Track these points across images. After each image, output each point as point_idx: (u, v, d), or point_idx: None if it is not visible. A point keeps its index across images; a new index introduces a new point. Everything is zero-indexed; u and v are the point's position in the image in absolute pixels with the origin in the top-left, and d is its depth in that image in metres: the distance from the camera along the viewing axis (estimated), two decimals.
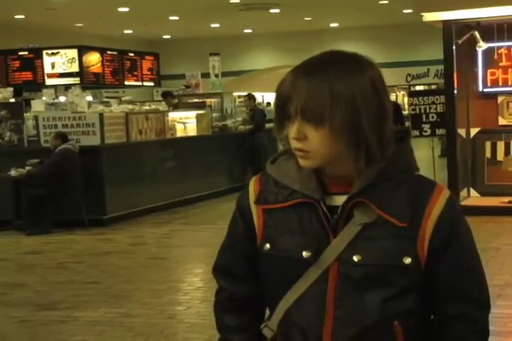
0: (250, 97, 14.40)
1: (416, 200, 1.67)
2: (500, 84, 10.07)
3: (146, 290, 6.77)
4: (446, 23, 9.72)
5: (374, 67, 1.65)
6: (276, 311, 1.74)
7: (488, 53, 10.00)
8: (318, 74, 1.59)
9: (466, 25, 9.87)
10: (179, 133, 12.24)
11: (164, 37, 23.92)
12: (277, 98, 1.65)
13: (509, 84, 10.03)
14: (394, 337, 1.67)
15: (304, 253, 1.67)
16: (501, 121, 10.22)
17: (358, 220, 1.65)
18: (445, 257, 1.68)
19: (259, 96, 20.22)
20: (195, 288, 6.89)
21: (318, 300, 1.67)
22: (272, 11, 18.86)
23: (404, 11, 18.88)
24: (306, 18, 21.08)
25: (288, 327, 1.72)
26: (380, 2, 18.25)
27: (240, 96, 16.28)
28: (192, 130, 12.58)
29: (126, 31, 22.05)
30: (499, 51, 10.01)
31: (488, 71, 10.08)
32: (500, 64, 10.03)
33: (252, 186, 1.80)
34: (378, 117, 1.61)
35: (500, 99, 10.15)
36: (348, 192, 1.66)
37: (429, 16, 9.84)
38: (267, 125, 13.93)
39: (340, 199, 1.68)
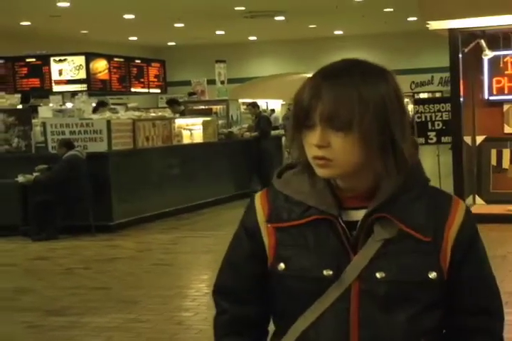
0: (254, 105, 14.48)
1: (436, 213, 1.64)
2: (506, 92, 10.11)
3: (153, 296, 6.81)
4: (452, 32, 9.77)
5: (393, 76, 1.62)
6: (291, 332, 1.65)
7: (494, 61, 10.04)
8: (344, 79, 1.54)
9: (471, 34, 9.92)
10: (185, 140, 12.30)
11: (169, 44, 24.00)
12: (297, 105, 1.59)
13: None
14: None
15: (325, 272, 1.60)
16: (507, 129, 10.25)
17: (379, 236, 1.60)
18: (465, 270, 1.66)
19: (263, 103, 20.29)
20: (202, 294, 6.91)
21: (341, 319, 1.61)
22: (276, 18, 18.94)
23: (409, 19, 18.93)
24: (310, 26, 21.15)
25: None
26: (385, 10, 18.31)
27: (244, 103, 16.35)
28: (198, 137, 12.64)
29: (131, 38, 22.13)
30: (505, 59, 10.06)
31: (494, 79, 10.12)
32: (506, 72, 10.08)
33: (260, 203, 1.71)
34: (403, 124, 1.58)
35: (506, 107, 10.19)
36: (365, 206, 1.62)
37: (435, 25, 9.89)
38: (273, 132, 13.97)
39: (357, 214, 1.63)
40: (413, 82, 23.54)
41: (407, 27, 19.80)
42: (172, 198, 11.46)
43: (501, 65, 10.06)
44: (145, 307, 6.40)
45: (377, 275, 1.59)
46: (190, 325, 5.95)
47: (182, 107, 13.53)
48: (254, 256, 1.71)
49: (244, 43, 23.71)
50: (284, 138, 14.81)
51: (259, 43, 23.99)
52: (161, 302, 6.60)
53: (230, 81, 17.94)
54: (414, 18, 17.89)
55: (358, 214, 1.62)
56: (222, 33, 21.75)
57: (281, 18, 18.86)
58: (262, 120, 14.03)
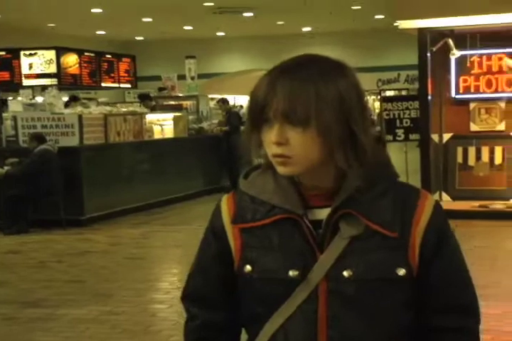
0: (224, 101, 14.58)
1: (403, 208, 1.59)
2: (472, 91, 10.32)
3: (127, 288, 6.90)
4: (421, 31, 9.96)
5: (353, 71, 1.59)
6: (260, 337, 1.62)
7: (461, 61, 10.25)
8: (300, 73, 1.50)
9: (440, 33, 10.12)
10: (156, 135, 12.39)
11: (138, 38, 23.97)
12: (252, 101, 1.54)
13: (481, 91, 10.29)
14: None
15: (291, 273, 1.56)
16: (473, 127, 10.47)
17: (346, 233, 1.56)
18: (435, 266, 1.61)
19: (231, 99, 20.39)
20: (175, 287, 7.01)
21: (309, 321, 1.57)
22: (245, 14, 19.00)
23: (376, 17, 19.13)
24: (279, 22, 21.22)
25: None
26: (353, 7, 18.46)
27: (212, 99, 16.43)
28: (169, 132, 12.73)
29: (99, 32, 22.06)
30: (471, 59, 10.26)
31: (461, 78, 10.33)
32: (473, 71, 10.28)
33: (226, 205, 1.68)
34: (363, 119, 1.54)
35: (472, 105, 10.41)
36: (330, 205, 1.57)
37: (404, 24, 10.08)
38: (242, 127, 14.05)
39: (322, 213, 1.58)
40: (379, 79, 23.74)
41: (375, 25, 20.00)
42: (143, 193, 11.53)
43: (468, 65, 10.26)
44: (120, 300, 6.50)
45: (345, 273, 1.55)
46: (165, 316, 6.06)
47: (153, 102, 13.60)
48: (221, 259, 1.66)
49: (212, 39, 23.76)
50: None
51: (228, 39, 24.04)
52: (135, 294, 6.70)
53: (200, 76, 18.02)
54: (382, 16, 18.12)
55: (323, 213, 1.58)
56: (190, 28, 21.78)
57: (250, 14, 18.93)
58: (232, 115, 14.14)
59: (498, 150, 10.34)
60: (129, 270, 7.78)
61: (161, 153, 12.17)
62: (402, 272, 1.56)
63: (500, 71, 10.21)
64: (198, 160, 13.20)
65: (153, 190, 11.75)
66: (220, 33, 23.57)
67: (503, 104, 10.28)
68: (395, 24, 10.31)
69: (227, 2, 17.15)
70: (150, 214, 11.32)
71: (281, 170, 1.55)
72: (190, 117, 14.20)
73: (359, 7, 18.35)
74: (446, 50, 10.13)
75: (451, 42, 10.04)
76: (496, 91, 10.22)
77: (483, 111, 10.39)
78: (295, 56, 1.58)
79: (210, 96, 16.53)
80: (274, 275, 1.58)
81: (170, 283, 7.31)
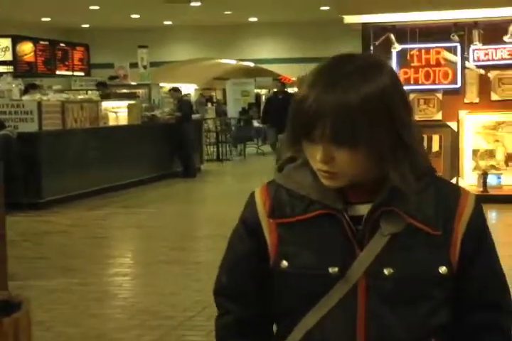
0: (176, 90, 15.06)
1: (445, 205, 1.57)
2: (412, 82, 10.96)
3: (93, 264, 7.40)
4: (365, 26, 10.60)
5: (387, 63, 1.55)
6: (295, 332, 1.59)
7: (402, 54, 10.88)
8: (343, 87, 1.44)
9: (382, 28, 10.75)
10: (111, 122, 12.84)
11: (84, 26, 23.93)
12: (296, 117, 1.49)
13: (420, 82, 10.95)
14: None
15: (330, 269, 1.53)
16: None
17: (386, 230, 1.53)
18: (475, 263, 1.59)
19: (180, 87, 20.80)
20: (137, 262, 7.57)
21: (347, 318, 1.55)
22: (192, 4, 19.16)
23: (321, 8, 19.47)
24: (226, 12, 21.38)
25: None
26: None
27: (162, 88, 16.84)
28: (123, 119, 13.20)
29: (44, 19, 22.01)
30: (411, 52, 10.87)
31: (402, 70, 10.98)
32: (412, 64, 10.90)
33: (260, 198, 1.64)
34: (409, 113, 1.52)
35: (411, 96, 11.03)
36: (370, 200, 1.54)
37: (349, 19, 10.70)
38: (193, 116, 14.58)
39: (363, 209, 1.55)
40: None
41: (320, 16, 20.28)
42: (98, 177, 11.95)
43: (408, 58, 10.89)
44: (86, 273, 6.99)
45: (385, 271, 1.52)
46: (130, 287, 6.60)
47: (108, 90, 14.02)
48: (256, 254, 1.63)
49: (159, 28, 23.87)
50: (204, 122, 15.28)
51: (176, 28, 24.21)
52: (100, 268, 7.21)
53: (152, 64, 18.34)
54: (327, 8, 18.55)
55: (364, 209, 1.55)
56: (138, 16, 21.95)
57: (197, 3, 19.17)
58: (184, 104, 14.62)
59: (436, 139, 11.01)
60: (92, 248, 8.27)
61: (116, 140, 12.61)
62: (443, 270, 1.55)
63: (438, 64, 10.87)
64: (151, 146, 13.67)
65: (108, 175, 12.18)
66: (167, 22, 23.70)
67: (440, 95, 10.96)
68: (340, 16, 10.87)
69: None
70: (106, 198, 11.77)
71: (326, 182, 1.52)
72: (144, 105, 14.66)
73: None
74: (388, 44, 10.75)
75: (392, 36, 10.66)
76: (434, 83, 10.87)
77: (421, 101, 11.03)
78: (331, 60, 1.53)
79: (161, 84, 16.94)
80: (312, 271, 1.55)
81: (132, 259, 7.85)
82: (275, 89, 17.14)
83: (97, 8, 19.44)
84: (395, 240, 1.53)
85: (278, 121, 13.02)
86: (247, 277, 1.65)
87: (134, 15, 21.66)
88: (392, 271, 1.52)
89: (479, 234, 1.59)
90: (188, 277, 6.75)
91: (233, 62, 26.75)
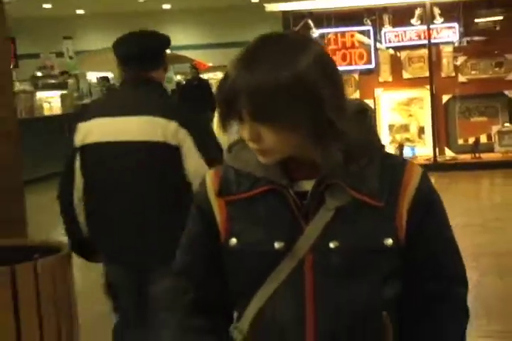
0: (104, 79, 15.54)
1: (389, 178, 1.57)
2: None
3: None
4: (285, 13, 11.37)
5: (314, 41, 1.56)
6: (248, 311, 1.59)
7: (320, 38, 11.63)
8: (262, 66, 1.44)
9: (301, 15, 11.46)
10: (46, 112, 13.31)
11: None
12: (221, 97, 1.49)
13: (337, 64, 11.72)
14: (384, 329, 1.56)
15: (276, 245, 1.53)
16: None
17: (331, 204, 1.53)
18: (423, 235, 1.58)
19: (93, 76, 21.02)
20: None
21: (296, 294, 1.53)
22: None
23: None
24: (140, 0, 21.56)
25: (263, 327, 1.58)
26: None
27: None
28: (57, 109, 13.67)
29: None
30: (328, 36, 11.59)
31: None
32: (330, 47, 11.60)
33: (210, 179, 1.65)
34: (336, 92, 1.50)
35: None
36: (315, 176, 1.54)
37: (270, 7, 11.47)
38: None
39: (307, 185, 1.55)
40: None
41: (234, 1, 20.76)
42: (36, 166, 12.32)
43: (325, 41, 11.64)
44: None
45: (331, 244, 1.52)
46: None
47: (40, 81, 14.41)
48: (209, 233, 1.63)
49: (72, 16, 23.64)
50: None
51: (88, 17, 23.93)
52: None
53: (78, 53, 18.57)
54: None
55: (309, 184, 1.55)
56: (49, 6, 21.94)
57: None
58: None
59: None
60: None
61: (52, 129, 13.02)
62: (389, 242, 1.54)
63: (353, 46, 11.62)
64: None
65: (47, 163, 12.56)
66: (80, 11, 23.62)
67: (356, 75, 11.75)
68: (264, 4, 11.57)
69: None
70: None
71: (261, 159, 1.54)
72: (75, 95, 15.07)
73: None
74: (306, 29, 11.46)
75: (310, 22, 11.39)
76: (350, 64, 11.52)
77: None
78: (258, 38, 1.52)
79: (89, 74, 17.20)
80: (259, 247, 1.55)
81: None
82: (189, 77, 16.86)
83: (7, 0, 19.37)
84: (340, 213, 1.53)
85: (196, 108, 13.42)
86: (201, 257, 1.65)
87: (46, 5, 21.55)
88: (337, 244, 1.52)
89: (426, 206, 1.58)
90: None
91: None
